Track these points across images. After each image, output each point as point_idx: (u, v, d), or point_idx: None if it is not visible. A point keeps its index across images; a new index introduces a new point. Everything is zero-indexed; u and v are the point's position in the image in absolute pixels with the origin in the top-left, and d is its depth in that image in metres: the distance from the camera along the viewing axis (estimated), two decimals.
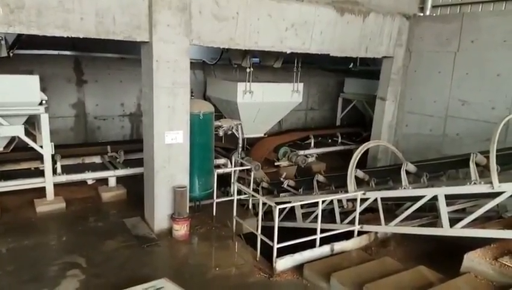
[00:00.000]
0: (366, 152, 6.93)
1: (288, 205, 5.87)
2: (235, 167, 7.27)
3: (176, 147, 5.69)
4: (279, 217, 5.08)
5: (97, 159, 7.93)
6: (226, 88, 8.73)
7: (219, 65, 10.15)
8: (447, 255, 4.90)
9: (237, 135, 7.73)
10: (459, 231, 4.64)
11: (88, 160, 7.83)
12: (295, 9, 6.46)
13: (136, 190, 6.72)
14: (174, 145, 5.68)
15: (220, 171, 6.81)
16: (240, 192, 6.42)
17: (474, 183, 4.47)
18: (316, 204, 5.66)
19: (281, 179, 8.04)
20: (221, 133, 7.41)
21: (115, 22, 4.99)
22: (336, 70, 12.21)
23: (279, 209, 4.98)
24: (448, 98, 7.51)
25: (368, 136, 9.43)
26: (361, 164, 6.38)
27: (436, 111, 7.76)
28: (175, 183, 5.74)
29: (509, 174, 4.79)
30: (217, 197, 6.52)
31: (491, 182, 4.23)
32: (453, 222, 4.78)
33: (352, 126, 11.98)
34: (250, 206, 7.02)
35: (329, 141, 11.03)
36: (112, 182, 7.23)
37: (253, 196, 6.22)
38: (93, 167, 7.43)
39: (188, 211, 5.77)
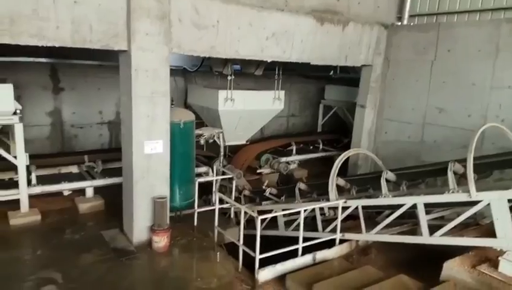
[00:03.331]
0: (347, 159, 6.99)
1: (270, 215, 5.83)
2: (216, 175, 7.20)
3: (155, 157, 5.59)
4: (261, 225, 5.05)
5: (74, 169, 7.71)
6: (207, 96, 8.68)
7: (200, 72, 10.09)
8: (427, 262, 4.95)
9: (219, 143, 7.67)
10: (438, 239, 4.71)
11: (65, 170, 7.60)
12: (276, 18, 6.48)
13: (114, 201, 6.55)
14: (154, 155, 5.57)
15: (202, 180, 6.72)
16: (222, 201, 6.36)
17: (452, 192, 4.55)
18: (298, 212, 5.66)
19: (263, 187, 8.01)
20: (202, 141, 7.34)
21: (91, 30, 4.87)
22: (316, 77, 12.33)
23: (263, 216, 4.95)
24: (426, 105, 7.67)
25: (348, 142, 9.54)
26: (342, 171, 6.42)
27: (414, 118, 7.91)
28: (155, 194, 5.63)
29: (486, 182, 4.90)
30: (199, 207, 6.43)
31: (468, 191, 4.31)
32: (432, 229, 4.85)
33: (333, 132, 12.11)
34: (232, 215, 6.95)
35: (311, 147, 11.08)
36: (89, 192, 7.04)
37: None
38: (70, 177, 7.21)
39: (168, 222, 5.66)
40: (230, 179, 7.23)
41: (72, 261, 5.14)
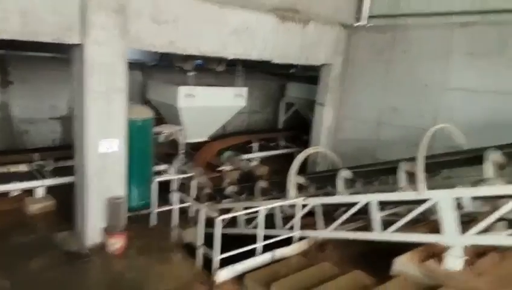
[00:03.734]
0: (306, 157, 7.11)
1: (229, 216, 5.80)
2: (176, 173, 7.08)
3: (111, 156, 5.39)
4: (221, 224, 5.03)
5: (24, 168, 7.28)
6: (167, 91, 8.47)
7: (160, 67, 9.83)
8: (381, 256, 5.14)
9: (179, 141, 7.53)
10: (389, 235, 4.90)
11: (14, 169, 7.16)
12: (238, 15, 6.44)
13: (67, 201, 6.24)
14: (110, 153, 5.37)
15: (161, 178, 6.58)
16: (182, 200, 6.27)
17: (403, 190, 4.75)
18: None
19: (224, 185, 7.98)
20: (161, 139, 7.18)
21: (43, 22, 4.60)
22: (278, 74, 12.41)
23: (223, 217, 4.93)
24: (382, 105, 7.94)
25: (309, 139, 9.69)
26: (301, 168, 6.52)
27: (370, 117, 8.17)
28: (110, 194, 5.45)
29: (435, 181, 5.16)
30: (158, 206, 6.30)
31: (418, 189, 4.51)
32: (387, 225, 5.04)
33: (294, 129, 12.26)
34: (192, 214, 6.87)
35: (272, 144, 11.17)
36: (40, 192, 6.69)
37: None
38: (19, 177, 6.81)
39: (124, 223, 5.51)
40: (191, 177, 7.14)
41: (22, 267, 4.87)
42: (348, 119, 8.65)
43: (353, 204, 5.41)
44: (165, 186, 7.37)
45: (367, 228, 5.65)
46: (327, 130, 8.87)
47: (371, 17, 8.20)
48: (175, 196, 6.00)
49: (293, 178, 6.09)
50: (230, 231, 6.93)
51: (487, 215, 4.08)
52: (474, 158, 4.38)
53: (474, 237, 4.16)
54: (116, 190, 5.52)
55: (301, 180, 6.30)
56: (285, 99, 12.41)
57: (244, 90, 8.98)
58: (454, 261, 4.27)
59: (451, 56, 6.76)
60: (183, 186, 7.52)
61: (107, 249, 5.33)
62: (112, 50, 5.13)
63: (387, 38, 7.70)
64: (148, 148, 6.24)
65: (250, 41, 6.75)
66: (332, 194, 5.93)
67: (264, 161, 10.65)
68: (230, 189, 7.79)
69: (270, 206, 5.84)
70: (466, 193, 4.12)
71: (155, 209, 6.18)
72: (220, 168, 9.64)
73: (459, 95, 6.71)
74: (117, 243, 5.32)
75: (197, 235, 5.30)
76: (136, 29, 5.35)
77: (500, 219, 4.33)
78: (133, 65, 8.95)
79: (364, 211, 6.04)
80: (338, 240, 6.14)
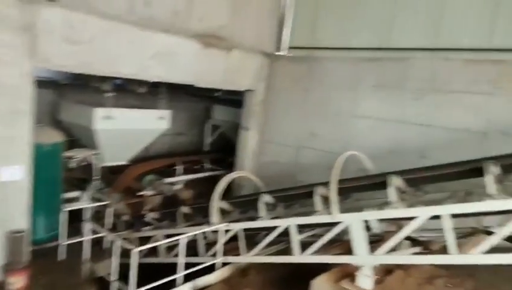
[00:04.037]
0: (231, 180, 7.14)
1: (146, 247, 5.51)
2: (89, 201, 6.61)
3: (12, 185, 4.86)
4: (140, 255, 4.78)
5: None
6: (81, 113, 7.95)
7: (74, 85, 9.23)
8: (304, 278, 5.27)
9: (93, 166, 7.08)
10: (308, 257, 5.08)
11: None
12: (159, 38, 6.36)
13: None
14: (11, 182, 4.85)
15: (71, 207, 6.08)
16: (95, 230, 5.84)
17: (319, 213, 4.98)
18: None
19: (144, 211, 7.65)
20: (73, 164, 6.68)
21: None
22: (204, 96, 12.41)
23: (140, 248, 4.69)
24: (301, 130, 8.33)
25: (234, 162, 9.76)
26: (227, 191, 6.51)
27: (291, 141, 8.51)
28: (11, 227, 4.88)
29: (348, 203, 5.50)
30: (68, 238, 5.79)
31: (331, 213, 4.77)
32: (307, 246, 5.20)
33: (220, 151, 12.27)
34: (108, 245, 6.43)
35: (197, 167, 11.04)
36: None
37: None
38: None
39: (27, 258, 4.95)
40: (107, 205, 6.72)
41: None
42: (271, 143, 8.91)
43: (274, 228, 5.53)
44: (77, 216, 6.84)
45: (287, 251, 5.80)
46: (251, 153, 9.03)
47: (291, 48, 8.66)
48: (87, 226, 5.57)
49: (216, 203, 6.06)
50: (151, 260, 6.63)
51: (393, 235, 4.43)
52: (380, 183, 4.76)
53: (382, 257, 4.48)
54: (18, 222, 4.96)
55: (224, 205, 6.29)
56: (211, 122, 12.43)
57: (167, 113, 8.82)
58: (365, 281, 4.54)
59: (360, 87, 7.38)
60: (99, 214, 7.05)
61: (7, 289, 4.73)
62: (17, 70, 4.72)
63: (304, 68, 8.17)
64: (57, 175, 5.76)
65: (172, 65, 6.69)
66: (256, 218, 6.00)
67: (189, 184, 10.45)
68: (150, 216, 7.47)
69: (190, 234, 5.71)
70: (373, 215, 4.44)
71: (64, 242, 5.67)
72: (140, 193, 9.25)
73: (367, 123, 7.31)
74: (18, 282, 4.75)
75: (112, 268, 4.96)
76: (45, 48, 5.00)
77: (407, 238, 4.76)
78: (43, 83, 8.29)
79: (286, 233, 6.22)
80: (261, 264, 6.19)
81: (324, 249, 5.33)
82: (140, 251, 5.11)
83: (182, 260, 5.29)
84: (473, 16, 6.38)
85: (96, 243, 6.23)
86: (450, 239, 3.84)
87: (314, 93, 8.06)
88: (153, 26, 6.14)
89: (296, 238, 5.16)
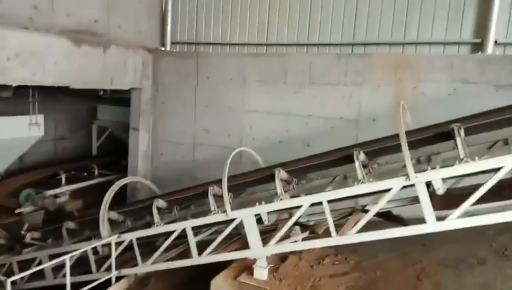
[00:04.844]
0: (125, 185, 6.71)
1: (21, 275, 4.88)
2: None
3: None
4: (24, 279, 4.20)
5: None
6: None
7: None
8: (206, 278, 5.23)
9: None
10: (205, 258, 5.04)
11: None
12: (19, 37, 5.61)
13: None
14: None
15: None
16: None
17: (214, 213, 4.98)
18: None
19: (22, 232, 6.78)
20: None
21: None
22: (86, 95, 11.39)
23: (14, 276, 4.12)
24: (194, 127, 8.22)
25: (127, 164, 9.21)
26: (121, 197, 6.11)
27: (185, 139, 8.36)
28: None
29: (242, 198, 5.61)
30: None
31: (225, 211, 4.80)
32: (206, 246, 5.14)
33: (111, 155, 11.46)
34: None
35: (85, 174, 10.14)
36: None
37: None
38: None
39: None
40: None
41: None
42: (164, 142, 8.62)
43: (172, 233, 5.37)
44: None
45: (188, 253, 5.69)
46: (144, 154, 8.63)
47: (173, 43, 8.41)
48: None
49: (105, 214, 5.65)
50: (36, 284, 5.95)
51: (284, 224, 4.65)
52: (269, 176, 4.94)
53: (274, 247, 4.67)
54: None
55: (115, 215, 5.90)
56: (97, 123, 11.49)
57: (40, 118, 7.88)
58: (261, 272, 4.71)
59: (246, 82, 7.54)
60: None
61: None
62: None
63: (191, 64, 8.02)
64: None
65: (39, 66, 5.95)
66: (152, 224, 5.75)
67: (77, 194, 9.55)
68: (30, 235, 6.65)
69: (76, 252, 5.23)
70: (261, 209, 4.60)
71: None
72: (18, 211, 8.18)
73: (255, 117, 7.53)
74: None
75: None
76: None
77: (297, 224, 5.06)
78: None
79: (185, 234, 6.10)
80: (162, 271, 5.98)
81: (224, 246, 5.38)
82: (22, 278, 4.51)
83: (68, 280, 4.83)
84: (339, 14, 6.96)
85: None
86: (330, 222, 4.18)
87: (203, 89, 7.99)
88: (7, 23, 5.34)
89: (193, 240, 5.09)
